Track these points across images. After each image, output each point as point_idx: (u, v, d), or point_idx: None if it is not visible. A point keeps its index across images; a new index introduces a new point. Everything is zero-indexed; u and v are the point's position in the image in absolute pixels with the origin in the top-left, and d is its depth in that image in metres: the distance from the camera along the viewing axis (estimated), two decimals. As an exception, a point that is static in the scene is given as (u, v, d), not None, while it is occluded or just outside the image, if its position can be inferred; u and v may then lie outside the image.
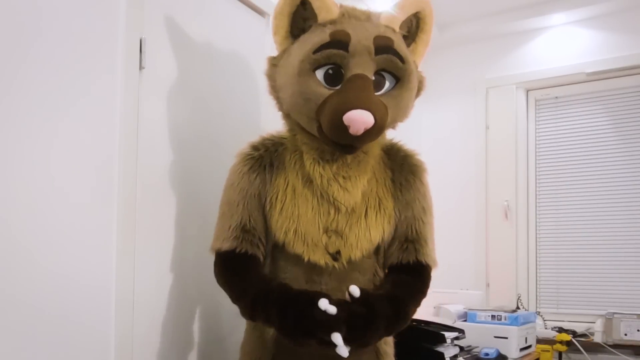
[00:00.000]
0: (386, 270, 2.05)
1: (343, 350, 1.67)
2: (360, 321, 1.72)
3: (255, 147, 2.02)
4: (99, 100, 1.96)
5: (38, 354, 1.75)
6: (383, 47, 1.83)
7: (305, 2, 1.88)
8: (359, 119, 1.71)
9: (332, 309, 1.67)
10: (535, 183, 4.30)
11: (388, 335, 1.93)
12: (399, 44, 1.88)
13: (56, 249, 1.81)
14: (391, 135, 2.16)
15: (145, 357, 2.14)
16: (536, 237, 4.28)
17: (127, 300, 2.04)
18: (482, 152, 4.38)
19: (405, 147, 2.12)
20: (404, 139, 2.21)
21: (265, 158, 1.99)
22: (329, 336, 1.66)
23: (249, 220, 1.95)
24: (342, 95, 1.78)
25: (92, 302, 1.93)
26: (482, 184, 4.36)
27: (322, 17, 1.86)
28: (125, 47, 2.05)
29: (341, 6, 1.90)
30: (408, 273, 1.98)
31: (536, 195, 4.30)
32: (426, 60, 4.72)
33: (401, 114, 1.96)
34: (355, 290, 1.75)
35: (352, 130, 1.73)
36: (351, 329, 1.69)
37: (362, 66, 1.80)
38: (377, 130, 1.78)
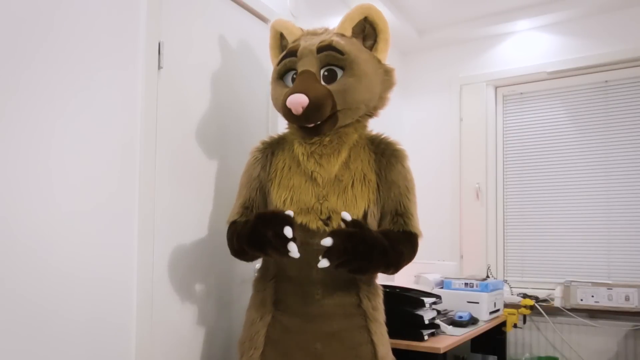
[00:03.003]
0: None
1: (294, 248, 1.76)
2: (355, 239, 1.78)
3: (262, 142, 2.19)
4: (122, 97, 1.97)
5: (62, 350, 1.73)
6: (324, 47, 1.99)
7: (282, 34, 2.18)
8: (294, 100, 1.87)
9: (290, 212, 1.81)
10: (503, 168, 4.31)
11: (384, 265, 1.92)
12: (339, 42, 2.00)
13: (79, 247, 1.79)
14: (377, 128, 2.19)
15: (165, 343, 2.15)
16: (504, 215, 4.29)
17: (146, 290, 2.04)
18: (457, 141, 4.39)
19: (388, 138, 2.17)
20: (388, 130, 2.24)
21: (268, 149, 2.14)
22: (282, 230, 1.76)
23: (249, 199, 2.10)
24: (289, 89, 1.95)
25: (115, 298, 1.92)
26: (457, 169, 4.37)
27: (289, 39, 2.13)
28: (145, 50, 2.06)
29: (305, 30, 2.15)
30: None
31: (504, 178, 4.31)
32: (408, 62, 4.74)
33: (352, 95, 1.98)
34: (346, 215, 1.82)
35: (294, 111, 1.89)
36: (346, 250, 1.76)
37: (306, 64, 1.98)
38: (313, 107, 1.89)
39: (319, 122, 1.94)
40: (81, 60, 1.82)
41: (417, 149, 4.46)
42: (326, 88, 1.94)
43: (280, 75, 2.06)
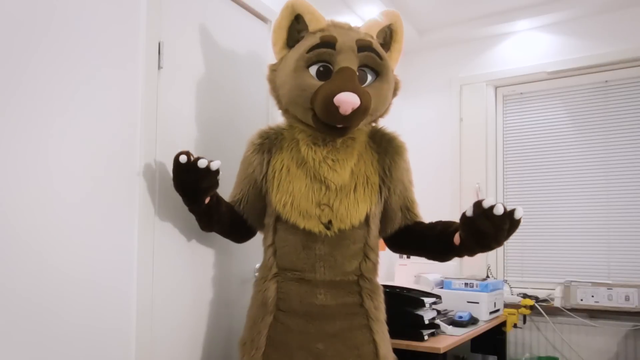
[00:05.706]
0: (388, 235, 2.16)
1: (203, 162, 1.86)
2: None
3: (260, 135, 2.12)
4: (122, 97, 1.97)
5: (61, 351, 1.72)
6: (364, 46, 1.94)
7: (299, 16, 2.02)
8: (347, 100, 1.80)
9: (215, 164, 1.87)
10: (503, 168, 4.31)
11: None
12: (377, 45, 2.01)
13: (78, 247, 1.79)
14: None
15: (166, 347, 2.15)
16: (503, 215, 4.27)
17: (146, 294, 2.03)
18: (457, 141, 4.39)
19: (387, 130, 2.17)
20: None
21: (265, 145, 2.08)
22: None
23: (239, 192, 2.12)
24: (332, 83, 1.88)
25: (115, 299, 1.92)
26: (457, 169, 4.37)
27: (312, 27, 2.00)
28: (145, 50, 2.06)
29: (329, 20, 2.05)
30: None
31: (504, 178, 4.31)
32: (408, 62, 4.73)
33: (382, 103, 2.04)
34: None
35: (341, 110, 1.82)
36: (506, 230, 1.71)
37: (348, 61, 1.91)
38: (362, 110, 1.87)
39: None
40: (81, 60, 1.82)
41: (417, 149, 4.42)
42: (368, 92, 1.92)
43: (308, 64, 1.94)
